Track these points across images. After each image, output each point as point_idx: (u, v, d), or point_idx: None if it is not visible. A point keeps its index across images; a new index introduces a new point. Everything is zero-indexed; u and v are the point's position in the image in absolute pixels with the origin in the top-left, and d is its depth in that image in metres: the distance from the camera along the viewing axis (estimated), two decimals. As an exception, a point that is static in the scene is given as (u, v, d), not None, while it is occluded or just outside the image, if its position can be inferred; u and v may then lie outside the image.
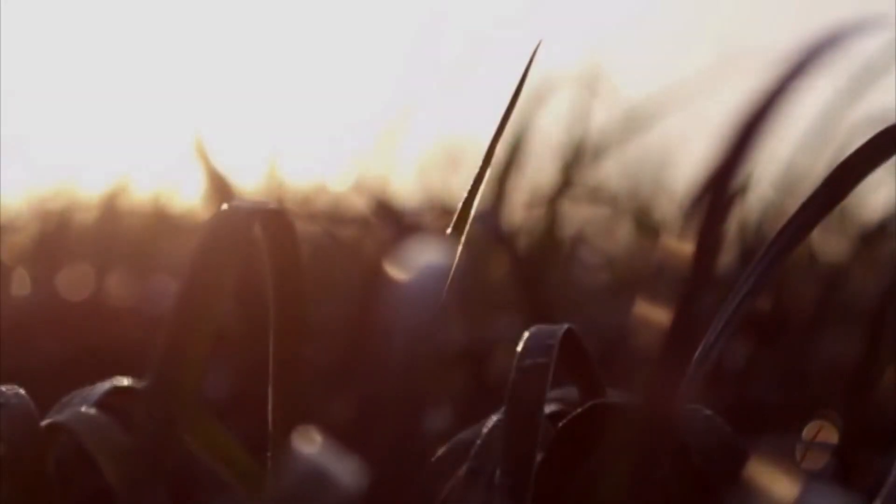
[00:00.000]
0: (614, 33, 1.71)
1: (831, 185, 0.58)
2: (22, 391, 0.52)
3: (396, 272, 0.37)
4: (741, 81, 1.47)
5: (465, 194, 0.52)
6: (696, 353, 0.50)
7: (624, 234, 1.63)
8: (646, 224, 1.56)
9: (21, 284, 1.34)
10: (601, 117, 1.58)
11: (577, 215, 1.51)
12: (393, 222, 1.21)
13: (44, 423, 0.50)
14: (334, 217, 1.41)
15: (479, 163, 0.53)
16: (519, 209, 1.43)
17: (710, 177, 0.41)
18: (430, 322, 0.35)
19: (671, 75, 1.59)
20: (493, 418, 0.53)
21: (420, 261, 0.38)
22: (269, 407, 0.50)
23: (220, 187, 1.09)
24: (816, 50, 0.44)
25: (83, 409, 0.48)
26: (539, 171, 1.52)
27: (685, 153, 1.71)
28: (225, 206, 0.48)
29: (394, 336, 0.35)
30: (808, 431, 0.77)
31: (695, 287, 0.40)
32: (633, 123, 1.56)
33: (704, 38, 1.62)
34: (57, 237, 1.45)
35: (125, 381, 0.55)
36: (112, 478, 0.46)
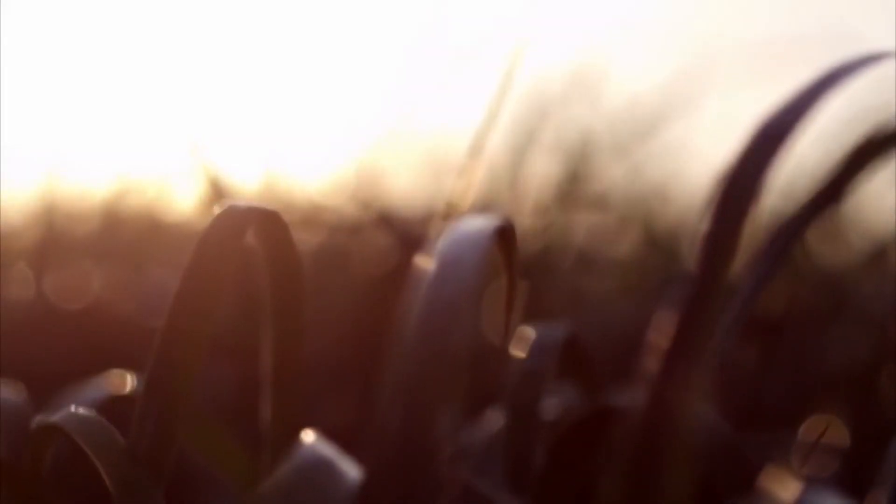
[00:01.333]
0: (615, 31, 1.71)
1: (826, 187, 0.58)
2: (19, 390, 0.51)
3: (412, 271, 0.37)
4: (739, 77, 1.46)
5: (457, 195, 0.52)
6: (703, 357, 0.49)
7: (629, 238, 1.62)
8: (652, 229, 1.56)
9: (18, 288, 1.33)
10: (604, 120, 1.58)
11: (582, 220, 1.50)
12: (394, 228, 1.20)
13: (39, 424, 0.49)
14: (335, 225, 1.40)
15: (473, 165, 0.52)
16: (523, 214, 1.43)
17: (724, 187, 0.41)
18: (448, 321, 0.34)
19: (670, 74, 1.58)
20: (494, 419, 0.53)
21: (430, 260, 0.37)
22: (268, 409, 0.50)
23: (217, 192, 1.09)
24: (833, 76, 0.44)
25: (79, 410, 0.48)
26: (542, 176, 1.52)
27: (688, 154, 1.70)
28: (220, 209, 0.48)
29: (408, 336, 0.34)
30: (811, 432, 0.77)
31: (703, 291, 0.39)
32: (637, 125, 1.56)
33: (703, 34, 1.61)
34: (54, 242, 1.45)
35: (121, 377, 0.55)
36: (109, 480, 0.45)
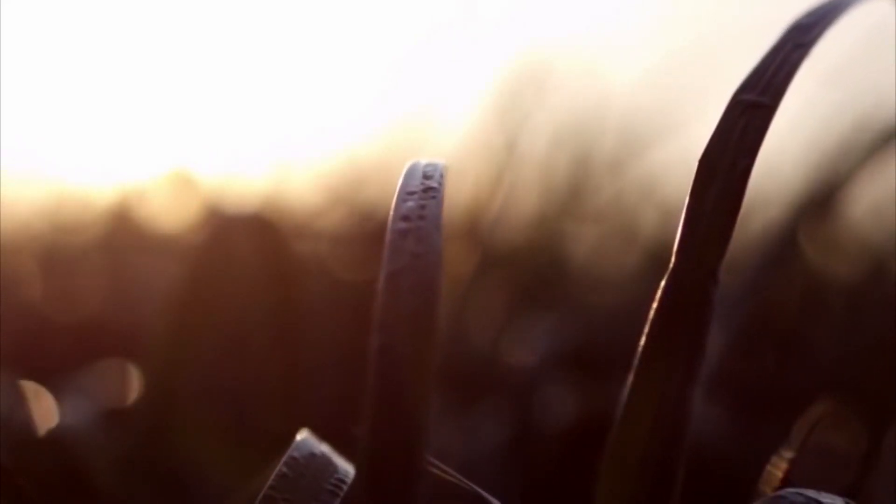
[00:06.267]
0: (613, 31, 1.71)
1: (818, 185, 0.58)
2: (18, 392, 0.52)
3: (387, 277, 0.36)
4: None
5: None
6: (703, 359, 0.49)
7: (631, 246, 1.61)
8: (647, 236, 1.55)
9: (18, 290, 1.34)
10: (604, 125, 1.58)
11: (579, 232, 1.50)
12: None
13: (40, 430, 0.49)
14: (330, 231, 1.40)
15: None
16: (519, 227, 1.43)
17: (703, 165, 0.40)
18: (427, 321, 0.34)
19: (670, 74, 1.58)
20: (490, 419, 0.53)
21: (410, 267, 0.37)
22: (265, 410, 0.50)
23: (212, 200, 1.09)
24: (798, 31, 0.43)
25: (76, 414, 0.48)
26: (539, 187, 1.52)
27: (689, 158, 1.69)
28: (217, 219, 0.49)
29: (389, 337, 0.34)
30: (808, 431, 0.77)
31: (702, 293, 0.39)
32: (637, 131, 1.56)
33: (702, 31, 1.61)
34: (53, 246, 1.45)
35: (119, 379, 0.55)
36: (106, 483, 0.45)
